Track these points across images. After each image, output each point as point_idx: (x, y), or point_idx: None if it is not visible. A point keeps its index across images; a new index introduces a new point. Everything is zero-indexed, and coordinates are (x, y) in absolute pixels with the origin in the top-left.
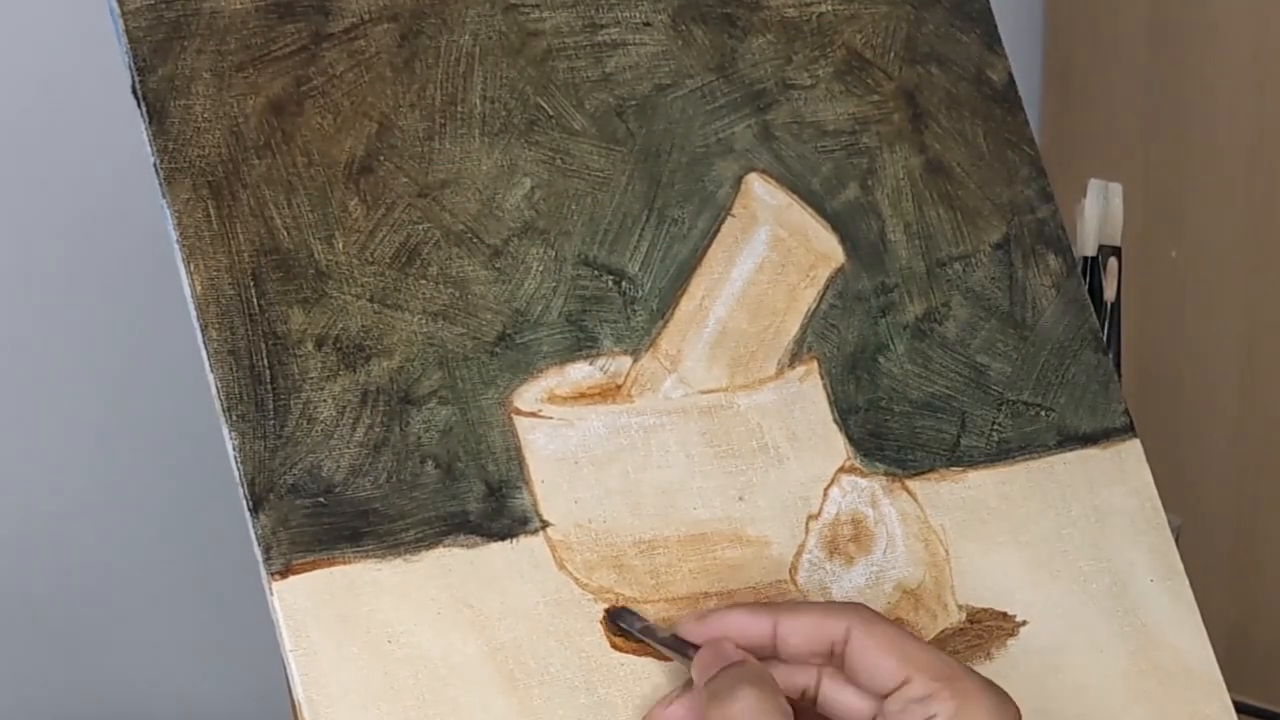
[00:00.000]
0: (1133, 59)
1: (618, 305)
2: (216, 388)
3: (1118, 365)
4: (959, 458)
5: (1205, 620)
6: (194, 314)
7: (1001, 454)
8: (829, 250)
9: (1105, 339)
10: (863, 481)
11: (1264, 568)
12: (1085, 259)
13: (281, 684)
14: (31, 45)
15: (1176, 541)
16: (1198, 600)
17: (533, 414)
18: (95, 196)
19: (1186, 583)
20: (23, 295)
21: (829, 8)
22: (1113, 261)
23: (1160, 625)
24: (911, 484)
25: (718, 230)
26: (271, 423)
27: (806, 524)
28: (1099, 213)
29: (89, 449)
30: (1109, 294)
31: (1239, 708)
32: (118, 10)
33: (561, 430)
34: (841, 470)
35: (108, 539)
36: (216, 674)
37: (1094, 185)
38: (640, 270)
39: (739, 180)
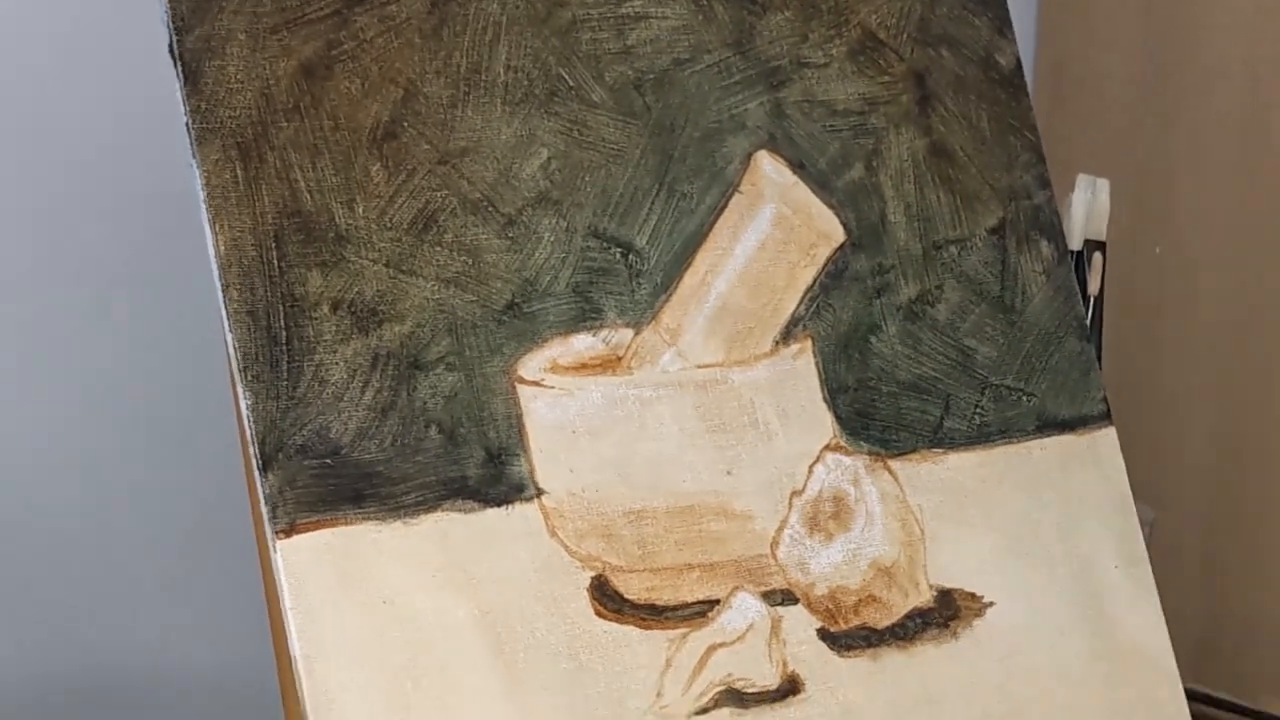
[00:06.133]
0: (1124, 54)
1: (624, 278)
2: (234, 347)
3: (1098, 359)
4: (941, 439)
5: (1177, 613)
6: (216, 274)
7: (982, 437)
8: (830, 229)
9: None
10: (847, 460)
11: (1237, 562)
12: (1071, 253)
13: (265, 640)
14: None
15: (1150, 535)
16: (1171, 593)
17: (535, 383)
18: (95, 166)
19: (1149, 570)
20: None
21: None
22: (1097, 256)
23: (1120, 611)
24: (893, 464)
25: (725, 206)
26: (284, 384)
27: (790, 500)
28: (1086, 207)
29: (73, 419)
30: (1093, 288)
31: (1210, 701)
32: None
33: (561, 400)
34: (827, 448)
35: (93, 505)
36: (200, 632)
37: (1082, 180)
38: (648, 243)
39: (748, 157)
